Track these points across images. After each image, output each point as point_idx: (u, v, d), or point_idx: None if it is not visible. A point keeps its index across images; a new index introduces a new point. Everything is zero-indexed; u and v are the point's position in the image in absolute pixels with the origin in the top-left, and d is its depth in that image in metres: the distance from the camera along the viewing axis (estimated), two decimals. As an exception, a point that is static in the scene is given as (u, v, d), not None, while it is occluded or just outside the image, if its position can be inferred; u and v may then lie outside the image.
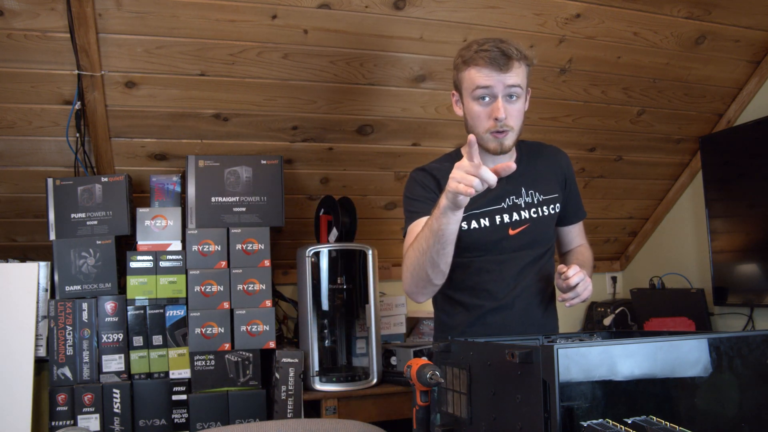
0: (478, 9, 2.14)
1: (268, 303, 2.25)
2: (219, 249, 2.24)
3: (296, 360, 2.21)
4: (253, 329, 2.22)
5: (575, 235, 1.80)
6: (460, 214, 1.38)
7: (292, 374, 2.21)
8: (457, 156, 1.67)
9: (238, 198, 2.30)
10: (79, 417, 2.10)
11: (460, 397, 1.20)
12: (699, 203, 2.85)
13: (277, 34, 2.07)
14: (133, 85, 2.12)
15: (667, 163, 2.98)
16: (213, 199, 2.28)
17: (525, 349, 1.01)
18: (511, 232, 1.59)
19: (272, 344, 2.23)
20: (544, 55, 2.35)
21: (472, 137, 1.31)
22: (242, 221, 2.29)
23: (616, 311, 3.04)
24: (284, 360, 2.21)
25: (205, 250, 2.23)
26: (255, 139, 2.41)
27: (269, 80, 2.20)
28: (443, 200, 1.36)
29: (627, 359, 1.02)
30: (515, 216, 1.59)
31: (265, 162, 2.34)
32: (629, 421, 0.98)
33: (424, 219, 1.52)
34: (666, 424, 0.96)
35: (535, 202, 1.61)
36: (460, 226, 1.54)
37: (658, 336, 1.10)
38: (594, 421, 0.96)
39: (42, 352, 2.16)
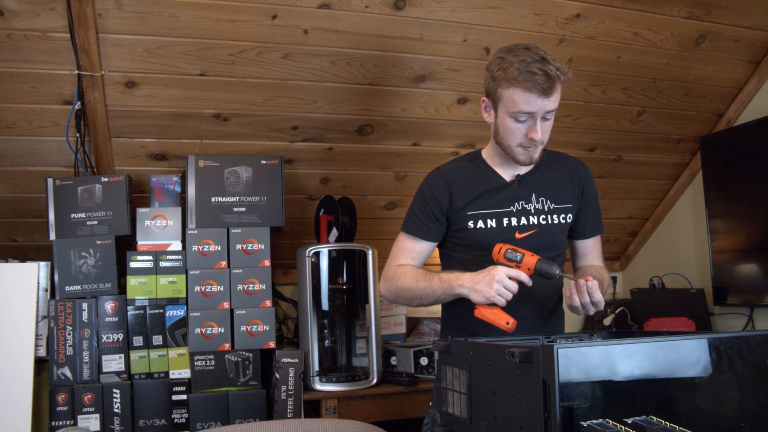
0: (478, 9, 2.14)
1: (268, 303, 2.25)
2: (219, 249, 2.24)
3: (296, 360, 2.21)
4: (253, 329, 2.22)
5: (590, 249, 1.75)
6: None
7: (292, 374, 2.21)
8: (477, 158, 1.65)
9: (238, 198, 2.30)
10: (79, 417, 2.10)
11: (460, 396, 1.20)
12: (699, 203, 2.85)
13: (277, 34, 2.07)
14: (133, 85, 2.12)
15: (667, 163, 2.98)
16: (213, 199, 2.28)
17: (525, 349, 1.01)
18: (518, 235, 1.58)
19: (272, 344, 2.23)
20: (544, 55, 2.35)
21: (524, 280, 1.44)
22: (242, 221, 2.29)
23: (616, 311, 3.03)
24: (284, 360, 2.21)
25: (205, 250, 2.23)
26: (255, 139, 2.41)
27: (269, 80, 2.20)
28: (463, 285, 1.46)
29: (627, 359, 1.02)
30: (523, 220, 1.58)
31: (265, 162, 2.34)
32: (629, 421, 0.98)
33: (415, 242, 1.63)
34: (666, 424, 0.96)
35: (545, 209, 1.61)
36: (467, 225, 1.58)
37: (658, 336, 1.10)
38: (594, 421, 0.96)
39: (42, 352, 2.16)
